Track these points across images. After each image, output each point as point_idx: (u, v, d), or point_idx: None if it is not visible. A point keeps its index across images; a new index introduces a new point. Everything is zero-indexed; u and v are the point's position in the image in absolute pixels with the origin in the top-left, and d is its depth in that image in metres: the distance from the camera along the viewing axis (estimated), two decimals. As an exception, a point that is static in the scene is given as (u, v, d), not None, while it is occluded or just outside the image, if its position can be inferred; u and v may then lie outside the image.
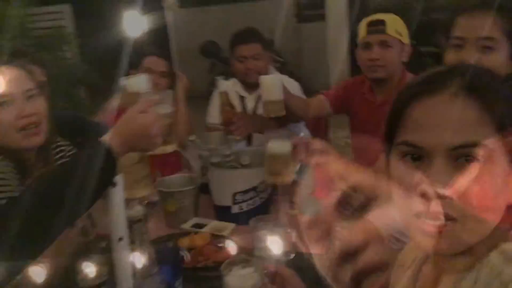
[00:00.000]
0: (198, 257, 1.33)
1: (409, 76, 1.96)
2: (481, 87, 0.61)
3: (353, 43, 2.08)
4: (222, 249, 1.36)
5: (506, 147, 0.60)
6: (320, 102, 2.15)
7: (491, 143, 0.59)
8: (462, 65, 0.67)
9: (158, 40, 6.20)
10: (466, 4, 1.30)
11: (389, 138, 0.67)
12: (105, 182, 0.97)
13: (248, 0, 8.28)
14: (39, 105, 1.26)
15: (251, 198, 1.58)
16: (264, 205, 1.61)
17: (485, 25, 1.22)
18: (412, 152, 0.63)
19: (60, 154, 1.42)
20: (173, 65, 2.39)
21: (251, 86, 2.30)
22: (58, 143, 1.42)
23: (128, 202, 1.10)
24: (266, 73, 2.37)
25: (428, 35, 7.51)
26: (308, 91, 2.50)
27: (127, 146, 1.03)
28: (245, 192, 1.57)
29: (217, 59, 7.94)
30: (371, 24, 1.91)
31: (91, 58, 5.99)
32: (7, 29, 5.57)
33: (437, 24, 7.58)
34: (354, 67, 2.07)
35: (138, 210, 1.25)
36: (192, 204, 1.62)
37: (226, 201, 1.59)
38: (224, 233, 1.49)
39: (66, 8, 6.37)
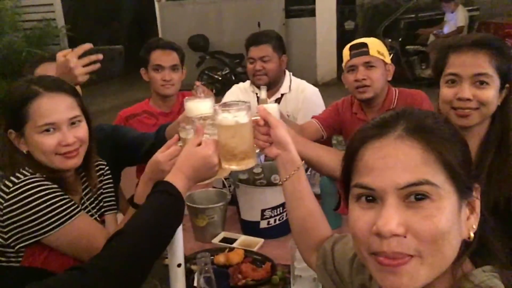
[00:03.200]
0: (237, 275, 1.38)
1: (394, 92, 2.05)
2: (424, 129, 0.65)
3: (340, 39, 2.11)
4: (258, 266, 1.42)
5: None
6: (313, 127, 2.21)
7: (438, 181, 0.63)
8: (406, 109, 0.71)
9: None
10: (458, 42, 1.35)
11: (346, 182, 0.71)
12: (179, 221, 1.01)
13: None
14: (81, 132, 1.28)
15: (279, 214, 1.64)
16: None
17: (479, 62, 1.30)
18: (365, 193, 0.67)
19: (100, 172, 1.46)
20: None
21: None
22: (98, 162, 1.45)
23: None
24: (276, 76, 2.42)
25: (415, 34, 7.68)
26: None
27: (192, 181, 1.06)
28: (274, 208, 1.63)
29: (206, 53, 7.92)
30: (354, 47, 1.99)
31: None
32: (-2, 22, 5.44)
33: (423, 23, 7.75)
34: (341, 63, 2.14)
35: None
36: (221, 218, 1.67)
37: (254, 216, 1.65)
38: (255, 249, 1.56)
39: (56, 1, 6.24)
